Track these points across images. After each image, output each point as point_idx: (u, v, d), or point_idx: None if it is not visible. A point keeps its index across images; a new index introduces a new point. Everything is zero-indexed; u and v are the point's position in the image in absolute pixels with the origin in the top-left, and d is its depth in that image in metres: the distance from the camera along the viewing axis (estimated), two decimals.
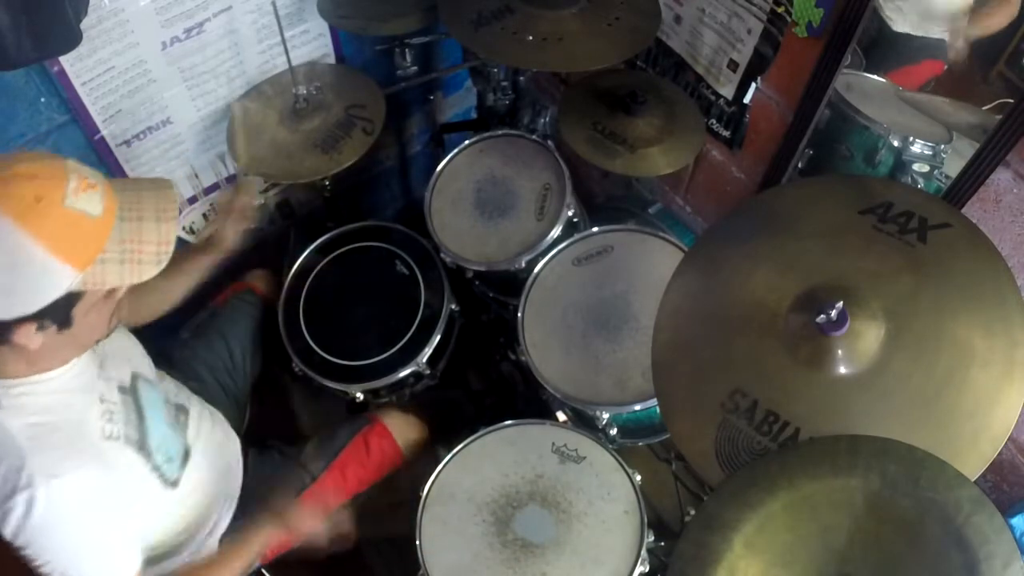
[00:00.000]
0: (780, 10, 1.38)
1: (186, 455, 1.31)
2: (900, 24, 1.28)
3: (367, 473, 1.54)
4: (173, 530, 1.30)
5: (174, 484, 1.26)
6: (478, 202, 1.71)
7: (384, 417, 1.58)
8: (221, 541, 1.39)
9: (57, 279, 0.95)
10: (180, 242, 1.93)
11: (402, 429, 1.58)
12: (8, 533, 1.03)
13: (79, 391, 1.12)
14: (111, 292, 1.04)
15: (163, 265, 1.02)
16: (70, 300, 0.98)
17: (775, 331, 1.04)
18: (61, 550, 1.05)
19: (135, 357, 1.31)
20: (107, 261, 0.98)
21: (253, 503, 1.42)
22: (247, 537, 1.30)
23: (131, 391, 1.23)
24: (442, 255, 1.68)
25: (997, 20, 1.15)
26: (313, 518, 1.34)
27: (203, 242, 1.48)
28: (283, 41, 1.63)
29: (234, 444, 1.50)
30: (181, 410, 1.36)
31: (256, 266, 1.82)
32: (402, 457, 1.57)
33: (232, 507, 1.43)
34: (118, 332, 1.29)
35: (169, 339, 1.61)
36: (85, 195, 0.95)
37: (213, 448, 1.40)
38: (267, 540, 1.32)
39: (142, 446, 1.20)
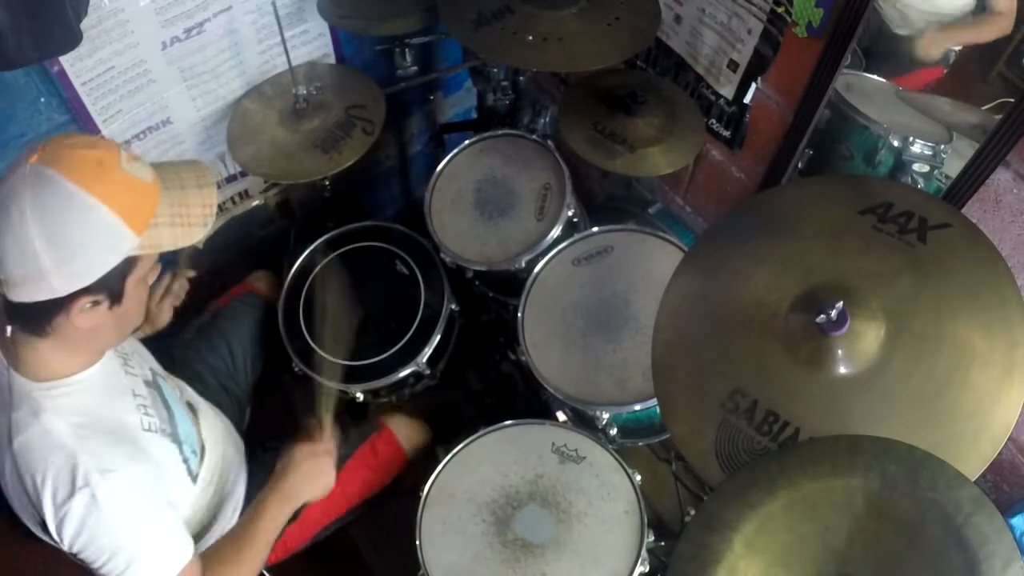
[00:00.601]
0: (780, 10, 1.38)
1: (202, 450, 1.32)
2: (901, 26, 1.28)
3: (374, 477, 1.54)
4: (189, 529, 1.30)
5: (195, 479, 1.28)
6: (478, 202, 1.71)
7: (390, 422, 1.59)
8: None
9: (120, 242, 0.97)
10: None
11: (408, 433, 1.59)
12: (68, 535, 1.03)
13: (113, 389, 1.14)
14: (152, 269, 1.07)
15: (208, 228, 1.06)
16: (126, 268, 1.00)
17: (775, 331, 1.04)
18: (123, 544, 1.06)
19: (147, 357, 1.33)
20: (159, 225, 1.01)
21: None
22: (260, 503, 1.31)
23: (155, 386, 1.26)
24: (442, 255, 1.68)
25: (987, 33, 1.16)
26: (311, 459, 1.36)
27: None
28: (283, 41, 1.63)
29: (239, 444, 1.50)
30: (191, 408, 1.37)
31: (257, 267, 1.82)
32: (406, 461, 1.58)
33: (238, 509, 1.43)
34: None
35: (171, 340, 1.61)
36: (136, 163, 1.00)
37: (220, 447, 1.40)
38: (281, 504, 1.32)
39: (175, 437, 1.22)
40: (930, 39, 1.25)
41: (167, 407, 1.24)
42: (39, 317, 0.99)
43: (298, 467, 1.34)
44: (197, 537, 1.32)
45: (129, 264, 1.00)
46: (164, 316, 1.49)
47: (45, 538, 1.08)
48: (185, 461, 1.24)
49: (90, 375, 1.10)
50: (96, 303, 1.00)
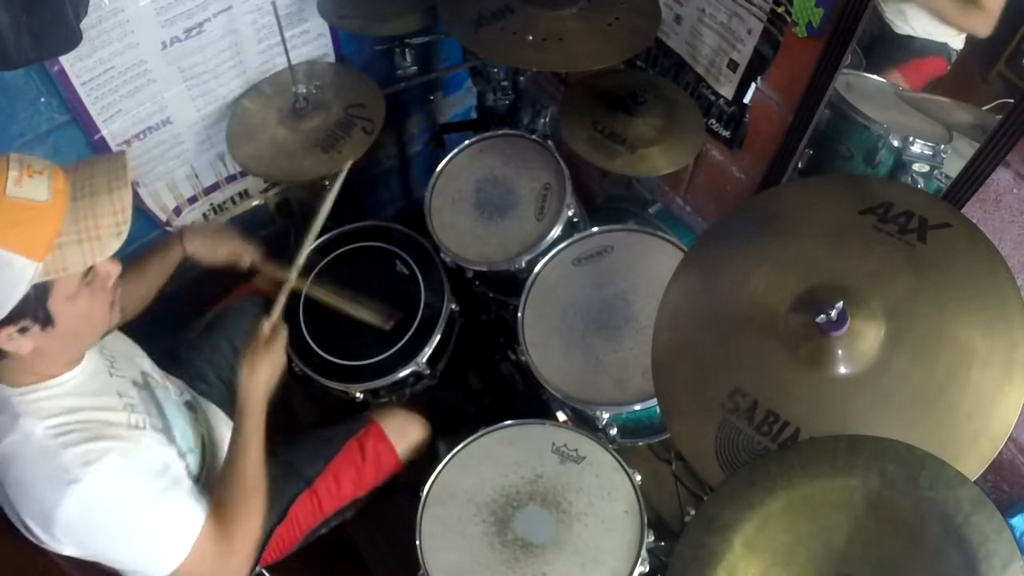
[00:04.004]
0: (780, 10, 1.38)
1: (203, 449, 1.32)
2: (903, 26, 1.28)
3: (363, 478, 1.52)
4: None
5: (195, 479, 1.26)
6: (478, 202, 1.71)
7: (380, 419, 1.56)
8: None
9: (17, 273, 0.91)
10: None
11: (400, 430, 1.56)
12: (62, 536, 1.02)
13: (96, 392, 1.11)
14: (93, 278, 1.01)
15: (123, 236, 0.98)
16: (40, 293, 0.95)
17: (775, 331, 1.04)
18: (120, 533, 1.05)
19: (139, 358, 1.31)
20: (64, 245, 0.94)
21: None
22: (233, 435, 1.29)
23: (145, 387, 1.24)
24: (442, 255, 1.68)
25: (964, 20, 1.16)
26: (253, 359, 1.33)
27: (217, 251, 1.52)
28: (283, 41, 1.63)
29: None
30: (190, 406, 1.36)
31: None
32: (399, 462, 1.55)
33: None
34: (117, 336, 1.29)
35: (175, 339, 1.61)
36: (30, 181, 0.92)
37: (222, 446, 1.40)
38: (251, 419, 1.29)
39: (168, 435, 1.20)
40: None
41: (158, 407, 1.22)
42: None
43: (250, 374, 1.31)
44: None
45: (43, 289, 0.95)
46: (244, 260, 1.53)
47: (41, 543, 1.06)
48: (182, 457, 1.22)
49: (71, 376, 1.08)
50: (24, 329, 0.96)
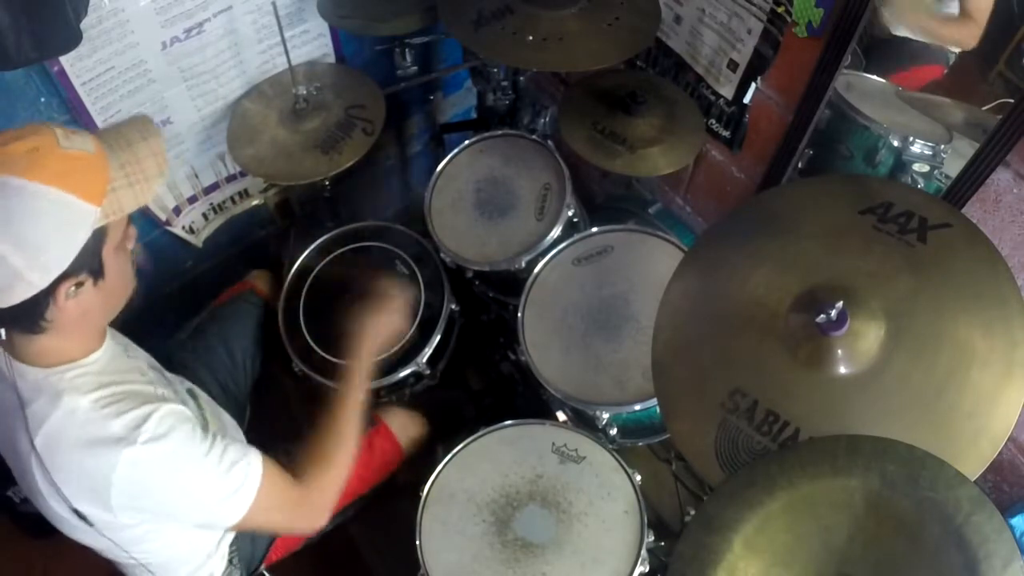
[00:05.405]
0: (780, 10, 1.38)
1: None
2: (898, 28, 1.29)
3: (370, 474, 1.53)
4: None
5: None
6: (478, 202, 1.71)
7: (386, 417, 1.58)
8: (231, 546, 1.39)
9: (81, 218, 0.96)
10: (178, 240, 1.94)
11: (404, 427, 1.58)
12: (122, 498, 1.03)
13: (122, 370, 1.14)
14: (126, 233, 1.06)
15: (166, 176, 1.08)
16: (98, 240, 0.99)
17: (775, 331, 1.04)
18: (182, 486, 1.07)
19: (143, 351, 1.32)
20: (117, 188, 1.00)
21: None
22: (351, 368, 1.37)
23: (157, 369, 1.27)
24: (442, 255, 1.68)
25: (949, 32, 1.17)
26: (377, 320, 1.44)
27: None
28: (283, 41, 1.63)
29: (242, 437, 1.50)
30: (192, 394, 1.37)
31: (256, 267, 1.82)
32: (403, 458, 1.57)
33: None
34: (116, 333, 1.29)
35: (167, 340, 1.61)
36: (76, 136, 0.98)
37: (225, 431, 1.40)
38: (359, 376, 1.37)
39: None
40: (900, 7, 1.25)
41: (172, 389, 1.24)
42: (30, 315, 0.99)
43: (372, 331, 1.42)
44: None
45: (99, 236, 0.99)
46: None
47: (82, 526, 1.06)
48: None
49: (97, 358, 1.10)
50: (80, 284, 1.00)
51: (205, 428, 1.25)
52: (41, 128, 0.97)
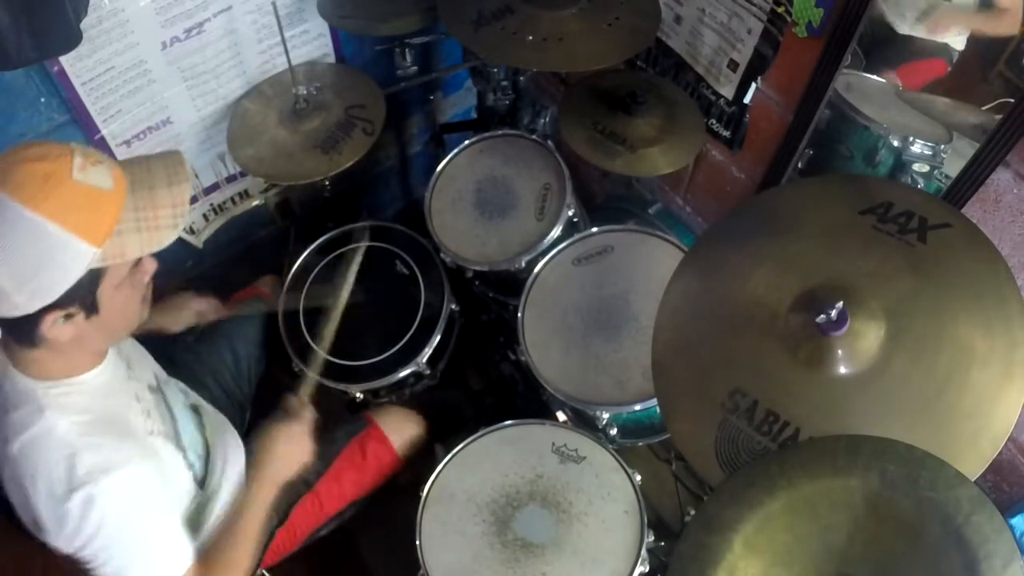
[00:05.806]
0: (780, 10, 1.38)
1: (208, 454, 1.32)
2: (903, 26, 1.28)
3: (364, 479, 1.52)
4: (194, 533, 1.29)
5: (201, 484, 1.27)
6: (478, 202, 1.71)
7: (379, 419, 1.57)
8: None
9: (76, 256, 0.94)
10: (178, 240, 1.94)
11: (398, 429, 1.57)
12: (64, 535, 1.02)
13: (117, 392, 1.13)
14: (135, 270, 1.04)
15: (179, 229, 1.02)
16: (93, 279, 0.97)
17: (775, 331, 1.04)
18: (120, 544, 1.05)
19: (149, 362, 1.32)
20: (124, 232, 0.97)
21: None
22: (248, 491, 1.28)
23: (159, 391, 1.25)
24: (442, 255, 1.68)
25: (993, 26, 1.16)
26: (286, 439, 1.32)
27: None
28: (283, 41, 1.63)
29: (242, 447, 1.49)
30: (195, 410, 1.36)
31: (256, 266, 1.82)
32: (399, 460, 1.56)
33: None
34: (129, 339, 1.29)
35: (172, 343, 1.61)
36: (94, 169, 0.95)
37: (225, 450, 1.40)
38: (263, 490, 1.28)
39: (178, 443, 1.21)
40: (939, 18, 1.24)
41: (170, 412, 1.24)
42: (22, 330, 0.98)
43: (275, 450, 1.31)
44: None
45: (96, 275, 0.97)
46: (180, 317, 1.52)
47: (44, 539, 1.07)
48: (190, 467, 1.23)
49: (94, 376, 1.09)
50: (69, 316, 0.98)
51: (206, 457, 1.28)
52: (62, 153, 0.94)
